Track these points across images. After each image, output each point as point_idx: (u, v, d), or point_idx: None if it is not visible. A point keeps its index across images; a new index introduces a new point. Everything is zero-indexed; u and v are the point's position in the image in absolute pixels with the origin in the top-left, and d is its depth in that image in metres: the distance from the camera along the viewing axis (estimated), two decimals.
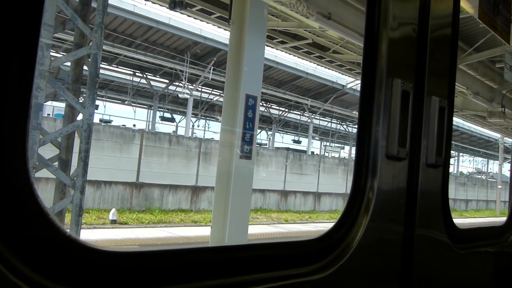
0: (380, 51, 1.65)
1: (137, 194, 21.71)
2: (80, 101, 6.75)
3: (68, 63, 6.98)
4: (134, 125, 33.35)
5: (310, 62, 15.37)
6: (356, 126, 1.75)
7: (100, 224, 17.83)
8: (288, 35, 13.00)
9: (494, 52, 12.03)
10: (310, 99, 33.59)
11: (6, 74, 0.84)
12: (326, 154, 44.03)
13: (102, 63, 28.20)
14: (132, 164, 21.59)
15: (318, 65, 15.94)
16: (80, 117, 6.62)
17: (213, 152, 23.94)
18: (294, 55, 14.52)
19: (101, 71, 29.67)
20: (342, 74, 16.64)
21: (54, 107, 30.78)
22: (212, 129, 45.80)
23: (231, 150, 6.47)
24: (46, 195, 11.07)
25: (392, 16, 1.67)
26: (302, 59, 14.97)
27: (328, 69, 16.72)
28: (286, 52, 14.12)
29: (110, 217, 18.11)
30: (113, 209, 18.71)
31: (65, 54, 25.59)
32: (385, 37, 1.66)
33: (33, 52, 0.87)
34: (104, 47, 24.23)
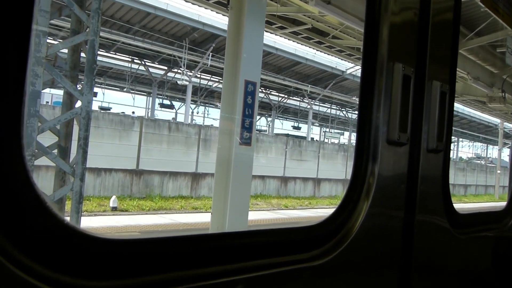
0: (381, 36, 1.64)
1: (137, 181, 21.74)
2: (79, 88, 6.71)
3: (66, 50, 6.91)
4: (133, 112, 33.30)
5: (310, 47, 15.24)
6: (357, 112, 1.74)
7: (101, 211, 17.90)
8: (287, 20, 12.87)
9: (495, 36, 11.94)
10: (309, 85, 33.44)
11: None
12: (326, 140, 44.01)
13: (100, 50, 28.01)
14: (132, 152, 21.57)
15: (317, 50, 15.82)
16: (78, 104, 6.59)
17: (213, 139, 23.90)
18: (293, 41, 14.39)
19: (99, 58, 29.64)
20: (342, 59, 16.53)
21: (53, 95, 30.65)
22: (211, 116, 45.72)
23: (231, 137, 6.44)
24: (46, 183, 11.07)
25: (393, 0, 1.65)
26: (302, 44, 14.84)
27: (328, 54, 16.60)
28: (285, 38, 14.00)
29: (111, 204, 18.18)
30: (114, 196, 18.77)
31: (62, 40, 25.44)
32: (386, 21, 1.64)
33: (27, 38, 0.86)
34: (102, 34, 24.06)
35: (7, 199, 0.86)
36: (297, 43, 14.84)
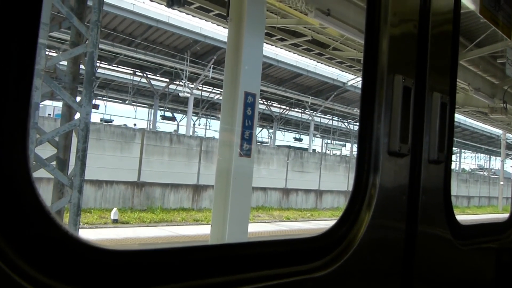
0: (381, 48, 1.65)
1: (138, 193, 21.66)
2: (78, 100, 6.69)
3: (65, 62, 6.92)
4: (134, 124, 33.37)
5: (310, 59, 15.24)
6: (358, 123, 1.76)
7: (102, 223, 17.80)
8: (288, 32, 12.91)
9: (495, 47, 11.93)
10: (310, 97, 33.45)
11: (6, 74, 0.85)
12: (328, 152, 43.90)
13: (102, 62, 28.17)
14: (133, 163, 21.55)
15: (318, 62, 15.81)
16: (78, 116, 6.57)
17: (214, 151, 23.82)
18: (294, 53, 14.40)
19: (102, 70, 29.74)
20: (342, 71, 16.50)
21: (55, 107, 30.76)
22: (213, 128, 45.68)
23: (230, 149, 6.39)
24: (44, 195, 11.01)
25: (393, 12, 1.67)
26: (302, 56, 14.84)
27: (328, 66, 16.57)
28: (286, 50, 14.01)
29: (112, 217, 18.10)
30: (115, 209, 18.70)
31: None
32: (386, 33, 1.66)
33: (32, 51, 0.88)
34: (104, 47, 24.23)
35: (12, 208, 0.87)
36: (298, 54, 14.85)
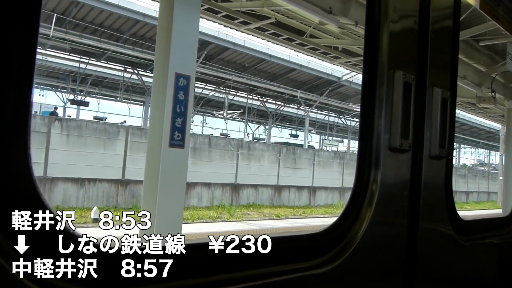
0: (381, 43, 1.66)
1: (122, 191, 21.25)
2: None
3: None
4: (124, 121, 32.77)
5: (281, 46, 14.39)
6: (358, 119, 1.25)
7: (81, 223, 17.38)
8: (259, 18, 12.04)
9: (477, 29, 11.10)
10: (300, 91, 32.83)
11: (6, 71, 0.85)
12: (325, 148, 43.29)
13: (91, 59, 27.60)
14: (118, 161, 21.11)
15: (289, 48, 14.89)
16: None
17: (203, 147, 23.27)
18: (258, 37, 13.44)
19: (93, 67, 29.27)
20: (315, 57, 15.58)
21: (41, 105, 30.44)
22: (210, 125, 44.96)
23: (159, 138, 5.63)
24: None
25: (393, 8, 1.68)
26: (270, 41, 13.97)
27: (300, 52, 15.53)
28: (250, 34, 13.15)
29: (92, 216, 17.72)
30: (95, 207, 18.37)
31: (51, 50, 25.07)
32: (386, 29, 1.67)
33: (32, 51, 0.89)
34: (91, 42, 23.82)
35: (13, 205, 0.87)
36: (262, 39, 13.89)
